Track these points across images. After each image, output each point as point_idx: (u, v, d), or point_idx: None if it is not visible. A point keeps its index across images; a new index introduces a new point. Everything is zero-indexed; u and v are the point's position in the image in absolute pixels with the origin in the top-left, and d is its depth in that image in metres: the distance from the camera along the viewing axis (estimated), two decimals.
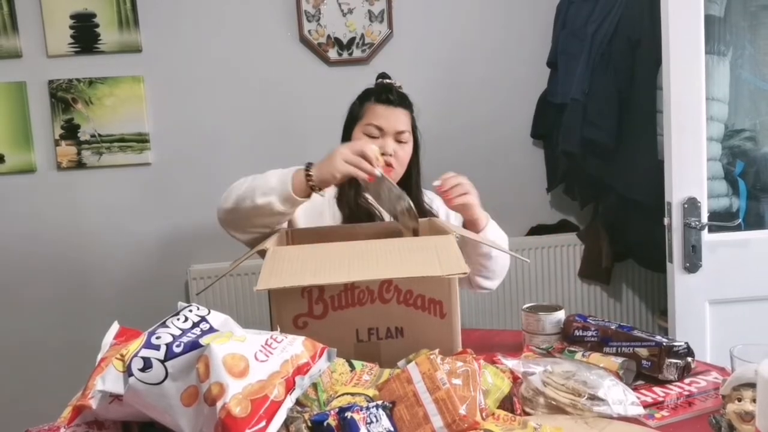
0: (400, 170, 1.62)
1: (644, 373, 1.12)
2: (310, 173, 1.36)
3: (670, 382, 1.11)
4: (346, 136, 1.65)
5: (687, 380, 1.11)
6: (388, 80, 1.68)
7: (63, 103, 2.37)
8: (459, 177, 1.50)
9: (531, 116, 2.57)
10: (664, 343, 1.11)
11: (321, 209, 1.59)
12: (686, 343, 1.14)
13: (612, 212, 2.45)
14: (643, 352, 1.12)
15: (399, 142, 1.60)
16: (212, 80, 2.44)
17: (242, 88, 2.46)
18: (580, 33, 2.31)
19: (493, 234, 1.55)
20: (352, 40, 2.47)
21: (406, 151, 1.61)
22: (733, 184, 2.00)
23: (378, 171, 1.35)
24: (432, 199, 1.71)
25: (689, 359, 1.13)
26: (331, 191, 1.61)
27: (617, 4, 2.23)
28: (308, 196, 1.38)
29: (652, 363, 1.11)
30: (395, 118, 1.59)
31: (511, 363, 1.07)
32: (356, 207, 1.59)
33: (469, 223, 1.53)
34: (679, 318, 1.80)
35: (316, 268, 1.11)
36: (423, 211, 1.62)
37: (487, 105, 2.58)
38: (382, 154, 1.55)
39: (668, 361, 1.10)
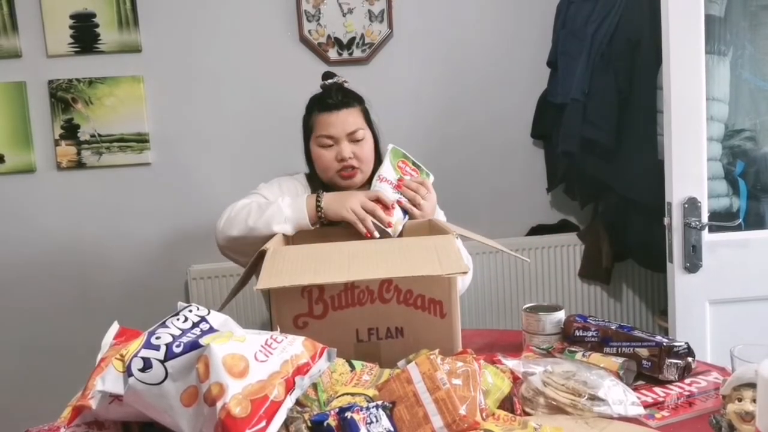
0: (365, 168, 1.60)
1: (644, 374, 1.12)
2: (321, 205, 1.44)
3: (670, 382, 1.11)
4: (307, 151, 1.65)
5: (687, 380, 1.11)
6: (330, 80, 1.65)
7: (63, 103, 2.37)
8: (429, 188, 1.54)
9: (531, 116, 2.57)
10: (664, 344, 1.11)
11: None
12: (686, 343, 1.14)
13: (612, 212, 2.44)
14: (644, 352, 1.12)
15: (355, 141, 1.58)
16: (212, 80, 2.44)
17: (242, 88, 2.46)
18: (580, 33, 2.31)
19: None
20: (352, 40, 2.47)
21: (366, 149, 1.60)
22: (734, 184, 2.00)
23: (377, 233, 1.42)
24: None
25: (689, 359, 1.13)
26: (305, 193, 1.62)
27: (617, 4, 2.23)
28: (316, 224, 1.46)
29: (653, 363, 1.11)
30: (342, 122, 1.57)
31: (511, 363, 1.07)
32: None
33: None
34: (679, 318, 1.80)
35: (316, 268, 1.11)
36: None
37: (487, 105, 2.58)
38: (340, 160, 1.57)
39: (668, 361, 1.10)
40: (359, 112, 1.62)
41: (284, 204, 1.45)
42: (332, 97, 1.60)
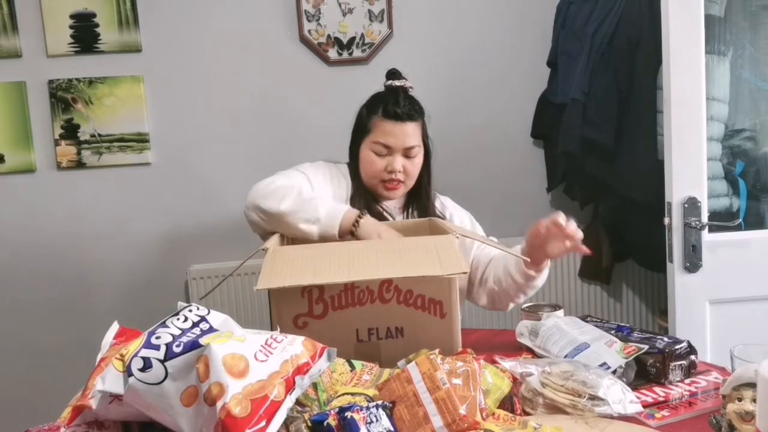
0: (409, 183, 1.59)
1: (651, 378, 1.12)
2: (358, 224, 1.38)
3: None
4: (355, 146, 1.62)
5: (687, 380, 1.11)
6: (397, 82, 1.60)
7: (63, 103, 2.37)
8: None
9: (531, 116, 2.57)
10: (666, 350, 1.11)
11: None
12: (687, 341, 1.14)
13: (612, 212, 2.44)
14: (647, 358, 1.12)
15: (408, 157, 1.56)
16: (212, 80, 2.44)
17: (242, 88, 2.46)
18: (580, 33, 2.31)
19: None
20: (352, 40, 2.47)
21: (415, 164, 1.58)
22: (733, 184, 1.99)
23: None
24: (444, 206, 1.68)
25: (692, 357, 1.13)
26: (344, 194, 1.60)
27: (617, 4, 2.23)
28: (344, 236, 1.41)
29: (657, 369, 1.11)
30: (403, 135, 1.54)
31: (509, 364, 1.07)
32: (369, 213, 1.55)
33: (540, 259, 1.43)
34: (679, 318, 1.80)
35: (316, 268, 1.11)
36: (434, 215, 1.61)
37: (487, 105, 2.58)
38: (389, 172, 1.55)
39: (672, 364, 1.10)
40: (420, 126, 1.59)
41: (320, 205, 1.40)
42: (400, 105, 1.55)
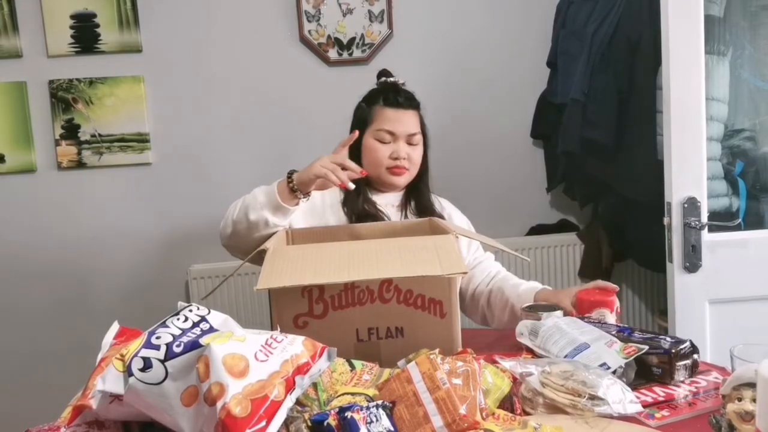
0: (414, 171, 1.61)
1: (656, 378, 1.12)
2: (291, 178, 1.42)
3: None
4: (355, 142, 1.60)
5: (687, 380, 1.11)
6: (391, 79, 1.65)
7: (63, 103, 2.37)
8: None
9: (531, 116, 2.57)
10: (673, 350, 1.11)
11: (323, 214, 1.58)
12: (689, 340, 1.14)
13: (612, 212, 2.45)
14: (653, 359, 1.12)
15: (411, 144, 1.59)
16: (212, 80, 2.44)
17: (242, 88, 2.46)
18: (579, 33, 2.31)
19: None
20: (352, 40, 2.47)
21: (418, 153, 1.61)
22: (733, 184, 1.99)
23: (351, 185, 1.39)
24: (443, 207, 1.69)
25: (695, 356, 1.13)
26: (335, 195, 1.60)
27: (617, 4, 2.23)
28: (296, 202, 1.43)
29: (663, 370, 1.11)
30: (406, 121, 1.58)
31: (508, 364, 1.07)
32: (362, 211, 1.57)
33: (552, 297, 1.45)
34: (679, 318, 1.80)
35: (316, 268, 1.11)
36: (433, 213, 1.62)
37: (487, 105, 2.58)
38: (395, 159, 1.56)
39: (678, 364, 1.10)
40: (418, 116, 1.64)
41: (259, 191, 1.44)
42: (400, 94, 1.61)
